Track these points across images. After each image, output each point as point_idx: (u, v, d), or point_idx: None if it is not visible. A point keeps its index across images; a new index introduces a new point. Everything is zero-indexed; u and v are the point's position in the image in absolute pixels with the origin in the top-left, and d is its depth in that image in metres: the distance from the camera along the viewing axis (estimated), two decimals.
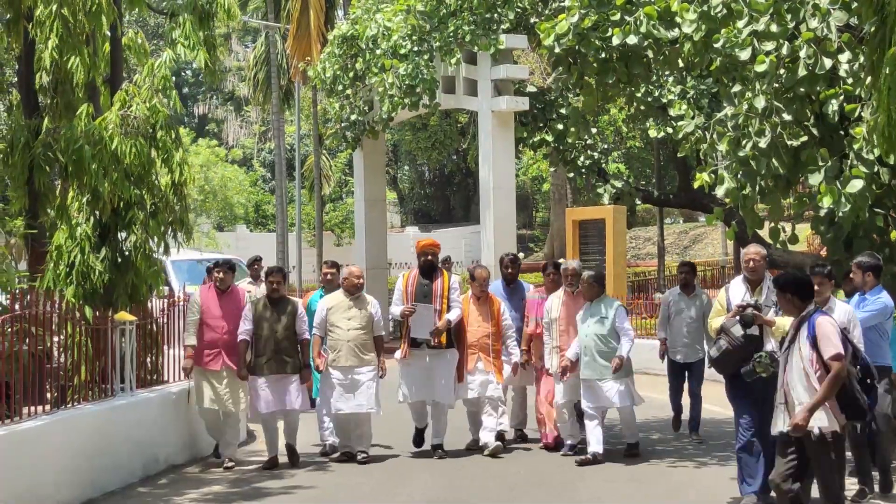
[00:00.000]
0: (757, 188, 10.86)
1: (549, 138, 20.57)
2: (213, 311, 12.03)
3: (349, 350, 12.01)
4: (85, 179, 12.04)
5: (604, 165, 20.87)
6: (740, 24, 10.69)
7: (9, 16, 13.17)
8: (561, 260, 14.15)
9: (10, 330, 9.95)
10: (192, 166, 13.30)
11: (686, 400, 13.57)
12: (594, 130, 21.29)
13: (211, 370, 11.96)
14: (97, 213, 12.18)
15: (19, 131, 13.69)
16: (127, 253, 12.43)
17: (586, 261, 20.67)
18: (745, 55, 10.63)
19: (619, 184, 19.66)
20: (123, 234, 12.41)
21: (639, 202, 20.42)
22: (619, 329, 11.88)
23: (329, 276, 13.07)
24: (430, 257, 12.49)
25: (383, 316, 13.56)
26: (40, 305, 10.59)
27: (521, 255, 31.98)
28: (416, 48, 21.90)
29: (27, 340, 10.39)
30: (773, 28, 10.50)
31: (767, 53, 10.49)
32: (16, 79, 15.54)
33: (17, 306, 10.17)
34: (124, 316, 11.79)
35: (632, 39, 11.35)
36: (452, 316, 12.27)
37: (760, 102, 10.59)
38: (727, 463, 11.55)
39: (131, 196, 12.22)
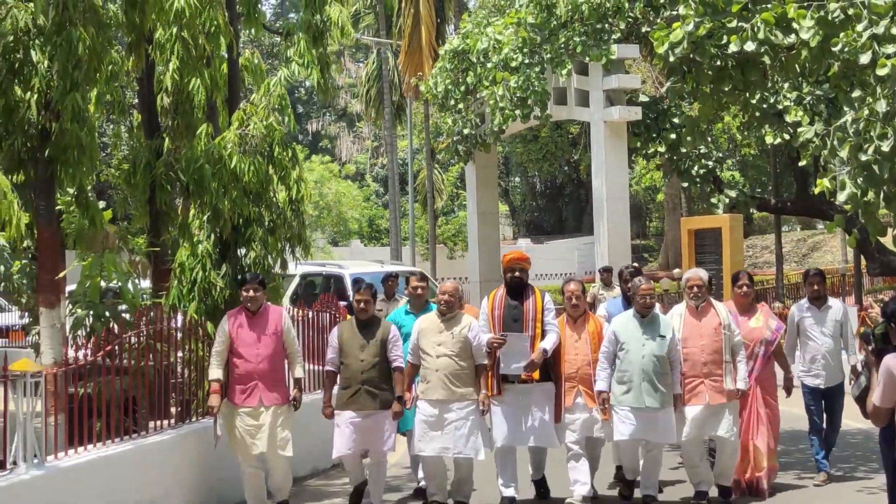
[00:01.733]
0: (881, 194, 10.63)
1: (662, 149, 20.40)
2: (245, 337, 10.37)
3: (438, 381, 10.25)
4: (205, 198, 12.26)
5: (719, 174, 20.61)
6: (859, 27, 10.49)
7: (130, 39, 13.46)
8: (635, 271, 12.87)
9: (135, 346, 10.22)
10: (307, 183, 13.44)
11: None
12: (708, 139, 21.03)
13: (247, 407, 10.28)
14: (217, 230, 12.39)
15: (141, 152, 13.98)
16: (246, 269, 12.63)
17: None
18: (865, 59, 10.41)
19: (733, 193, 19.40)
20: (243, 251, 12.61)
21: (755, 210, 20.12)
22: (675, 354, 10.46)
23: (419, 291, 11.49)
24: (517, 273, 10.71)
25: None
26: (164, 321, 10.85)
27: (635, 265, 31.69)
28: (526, 60, 21.89)
29: (152, 356, 10.65)
30: (894, 31, 10.28)
31: (888, 56, 10.27)
32: (136, 100, 15.88)
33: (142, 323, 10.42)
34: None
35: (749, 46, 11.20)
36: (548, 344, 10.43)
37: (882, 106, 10.37)
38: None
39: (250, 213, 12.41)
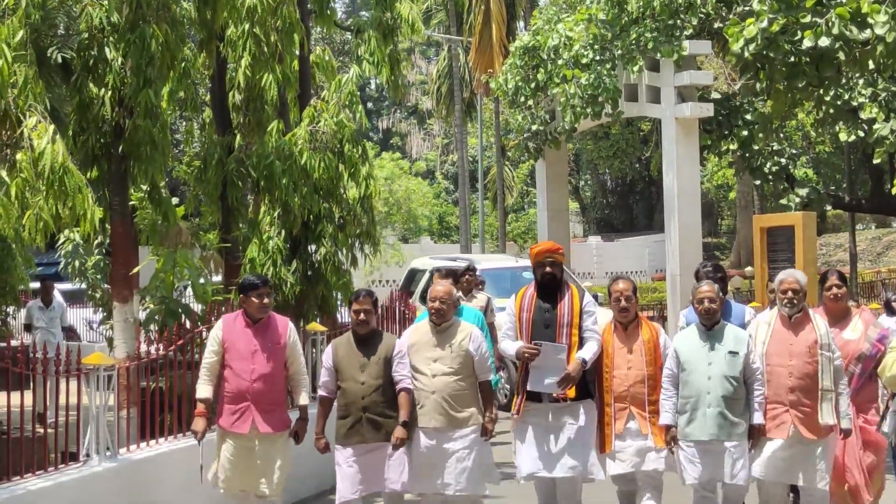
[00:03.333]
0: None
1: (734, 146, 20.20)
2: (241, 348, 8.53)
3: (434, 406, 8.41)
4: (276, 194, 12.36)
5: (792, 171, 20.37)
6: None
7: (202, 36, 13.58)
8: (748, 269, 12.00)
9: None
10: (377, 179, 13.49)
11: None
12: (781, 136, 20.79)
13: (236, 433, 8.52)
14: (288, 226, 12.46)
15: (212, 148, 14.09)
16: (317, 265, 12.70)
17: (775, 269, 20.16)
18: None
19: (806, 190, 19.17)
20: (313, 247, 12.68)
21: (829, 208, 19.86)
22: (750, 373, 8.46)
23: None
24: (549, 269, 8.73)
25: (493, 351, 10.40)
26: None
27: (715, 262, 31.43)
28: (597, 57, 21.76)
29: None
30: None
31: None
32: (208, 97, 16.02)
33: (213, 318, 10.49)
34: (315, 327, 12.06)
35: (823, 42, 11.07)
36: (588, 353, 8.56)
37: None
38: None
39: (320, 209, 12.49)
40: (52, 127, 9.35)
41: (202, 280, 12.49)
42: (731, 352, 8.39)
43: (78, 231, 13.95)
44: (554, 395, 8.52)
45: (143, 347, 10.43)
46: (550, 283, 8.74)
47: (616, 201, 61.62)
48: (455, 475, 8.37)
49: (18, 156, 9.22)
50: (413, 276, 20.89)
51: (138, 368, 9.91)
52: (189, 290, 12.53)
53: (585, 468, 8.56)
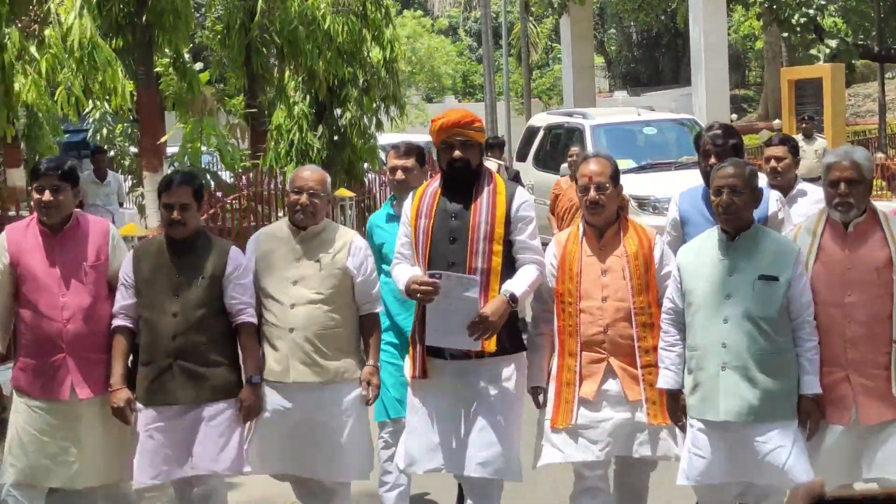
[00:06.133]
0: None
1: None
2: (39, 273, 5.60)
3: (292, 350, 5.59)
4: (300, 59, 12.38)
5: (820, 22, 20.11)
6: None
7: None
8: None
9: (237, 207, 10.42)
10: (401, 41, 13.45)
11: None
12: None
13: (44, 401, 5.60)
14: (313, 91, 12.49)
15: (235, 13, 14.02)
16: (342, 130, 12.75)
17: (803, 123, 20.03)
18: None
19: (835, 42, 18.97)
20: (338, 112, 12.72)
21: (857, 59, 19.66)
22: (798, 312, 5.06)
23: (402, 176, 6.26)
24: (459, 152, 5.43)
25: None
26: (264, 184, 11.03)
27: (733, 116, 31.14)
28: None
29: (253, 218, 10.87)
30: None
31: None
32: None
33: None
34: (343, 192, 12.15)
35: None
36: (520, 285, 5.35)
37: None
38: None
39: (345, 74, 12.50)
40: (78, 1, 9.33)
41: (229, 147, 12.56)
42: (765, 276, 5.04)
43: (108, 102, 13.96)
44: (464, 349, 5.35)
45: None
46: (462, 175, 5.43)
47: (642, 55, 60.95)
48: (324, 455, 5.62)
49: (47, 32, 9.26)
50: (530, 135, 17.12)
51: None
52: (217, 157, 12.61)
53: (509, 465, 5.39)
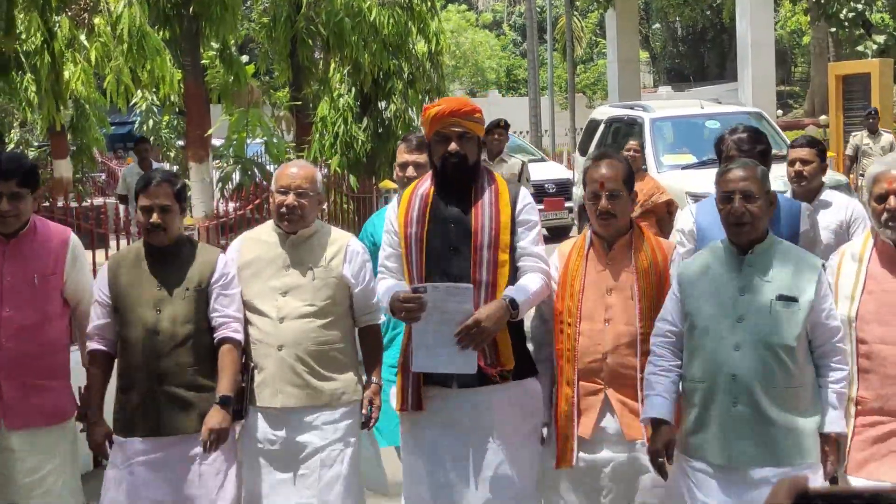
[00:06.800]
0: None
1: None
2: None
3: (282, 370, 4.89)
4: (346, 51, 12.39)
5: (868, 17, 19.93)
6: None
7: None
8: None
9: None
10: (445, 34, 13.46)
11: None
12: None
13: None
14: (358, 83, 12.50)
15: (281, 5, 14.06)
16: (387, 122, 12.76)
17: (851, 119, 19.88)
18: None
19: (881, 38, 18.80)
20: (383, 104, 12.74)
21: None
22: (822, 338, 4.33)
23: (413, 173, 5.51)
24: (455, 146, 4.67)
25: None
26: None
27: (779, 112, 30.85)
28: None
29: None
30: None
31: None
32: None
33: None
34: (388, 184, 12.15)
35: None
36: (523, 291, 4.58)
37: None
38: None
39: (390, 66, 12.51)
40: None
41: (275, 139, 12.61)
42: (783, 297, 4.26)
43: (156, 93, 14.06)
44: (474, 371, 4.52)
45: (220, 207, 10.60)
46: (457, 173, 4.67)
47: (687, 50, 60.64)
48: (318, 490, 4.90)
49: (96, 20, 9.32)
50: (592, 128, 16.31)
51: (217, 227, 10.11)
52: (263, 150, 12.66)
53: (530, 496, 4.74)
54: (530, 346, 4.85)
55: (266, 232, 5.06)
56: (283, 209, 4.87)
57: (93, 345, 4.90)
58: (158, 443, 4.77)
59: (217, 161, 12.36)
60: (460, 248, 4.61)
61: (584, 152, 15.64)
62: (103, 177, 22.34)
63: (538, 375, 4.75)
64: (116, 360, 4.91)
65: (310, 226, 4.96)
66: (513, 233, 4.65)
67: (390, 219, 4.82)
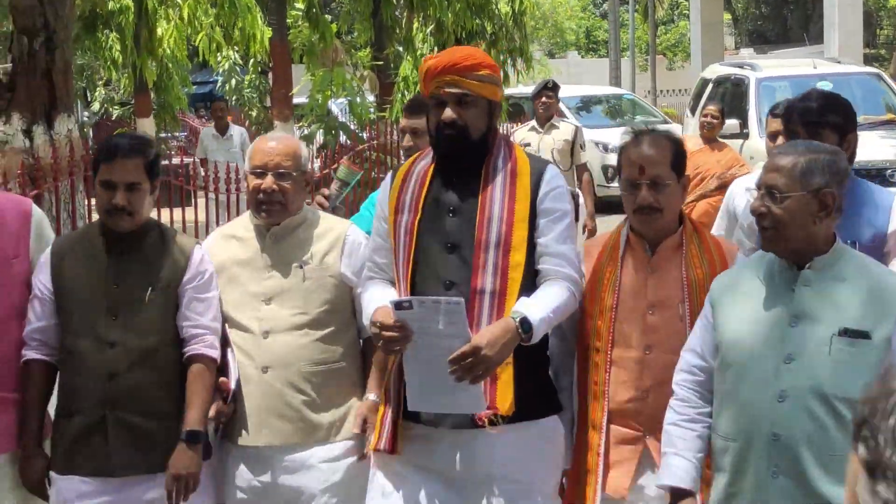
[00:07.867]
0: None
1: None
2: None
3: (266, 399, 3.78)
4: (429, 10, 12.40)
5: None
6: None
7: None
8: None
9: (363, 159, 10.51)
10: None
11: None
12: None
13: None
14: (441, 43, 12.49)
15: None
16: None
17: None
18: None
19: None
20: None
21: None
22: None
23: (409, 142, 4.63)
24: (448, 112, 3.46)
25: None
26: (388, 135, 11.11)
27: None
28: None
29: (380, 169, 10.97)
30: None
31: None
32: None
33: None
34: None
35: None
36: (542, 307, 3.34)
37: None
38: None
39: (473, 26, 12.50)
40: None
41: (358, 98, 12.64)
42: (850, 331, 3.03)
43: (237, 51, 14.16)
44: (475, 415, 3.42)
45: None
46: (457, 148, 3.54)
47: (770, 12, 59.71)
48: None
49: None
50: (701, 88, 15.47)
51: None
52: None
53: None
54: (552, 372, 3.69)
55: (242, 225, 3.99)
56: (260, 195, 3.79)
57: (29, 353, 3.74)
58: (106, 484, 3.68)
59: (301, 120, 12.41)
60: (460, 244, 3.49)
61: (693, 113, 14.69)
62: (185, 135, 22.58)
63: (560, 412, 3.60)
64: (59, 375, 3.79)
65: (295, 214, 3.88)
66: (532, 227, 3.49)
67: (381, 201, 3.70)
